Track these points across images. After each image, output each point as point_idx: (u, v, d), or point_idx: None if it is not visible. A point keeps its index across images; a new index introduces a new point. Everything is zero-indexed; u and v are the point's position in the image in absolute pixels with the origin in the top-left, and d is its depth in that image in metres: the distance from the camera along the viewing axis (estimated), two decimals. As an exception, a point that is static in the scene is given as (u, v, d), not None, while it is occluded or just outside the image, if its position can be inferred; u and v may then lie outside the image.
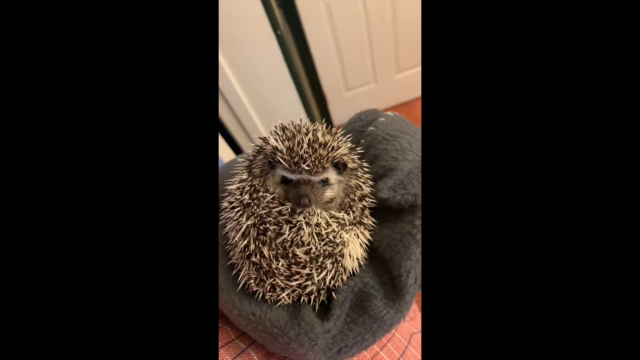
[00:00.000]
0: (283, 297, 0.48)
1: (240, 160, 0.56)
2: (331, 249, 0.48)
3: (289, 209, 0.49)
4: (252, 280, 0.49)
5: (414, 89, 2.60)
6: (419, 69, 2.41)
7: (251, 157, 0.55)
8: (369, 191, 0.54)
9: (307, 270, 0.47)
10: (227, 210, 0.53)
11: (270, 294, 0.49)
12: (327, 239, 0.48)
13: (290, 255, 0.47)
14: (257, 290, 0.50)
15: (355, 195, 0.53)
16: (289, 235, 0.47)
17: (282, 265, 0.47)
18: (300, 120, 0.55)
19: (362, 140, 0.60)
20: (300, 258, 0.47)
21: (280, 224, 0.48)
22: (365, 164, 0.56)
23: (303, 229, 0.48)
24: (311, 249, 0.47)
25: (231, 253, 0.53)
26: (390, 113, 0.62)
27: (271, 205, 0.50)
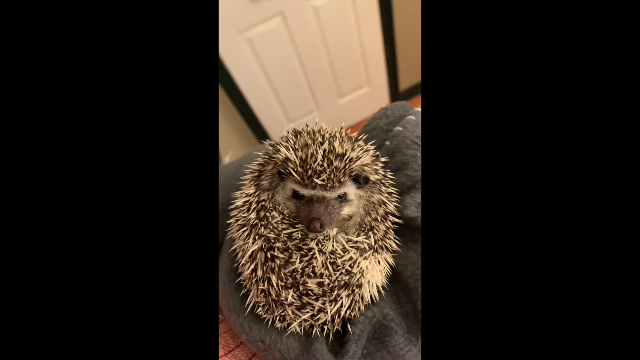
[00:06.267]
0: (294, 326, 0.44)
1: (249, 170, 0.49)
2: (347, 278, 0.43)
3: (300, 234, 0.43)
4: (260, 308, 0.45)
5: (358, 111, 2.28)
6: (361, 91, 2.12)
7: (260, 168, 0.48)
8: (394, 207, 0.47)
9: (319, 303, 0.42)
10: (234, 228, 0.47)
11: (280, 323, 0.45)
12: (344, 269, 0.43)
13: (301, 287, 0.42)
14: (265, 317, 0.46)
15: (377, 213, 0.46)
16: (299, 265, 0.42)
17: (291, 296, 0.42)
18: (316, 123, 0.47)
19: (387, 142, 0.52)
20: (312, 289, 0.42)
21: (290, 251, 0.43)
22: (389, 174, 0.48)
23: (316, 257, 0.42)
24: (324, 281, 0.42)
25: (240, 269, 0.48)
26: (421, 109, 0.52)
27: (280, 226, 0.44)
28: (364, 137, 0.49)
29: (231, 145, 1.92)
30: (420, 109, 0.52)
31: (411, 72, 2.19)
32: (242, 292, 0.48)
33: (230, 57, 1.62)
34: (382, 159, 0.49)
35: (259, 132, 1.99)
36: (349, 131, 0.48)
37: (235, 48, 1.60)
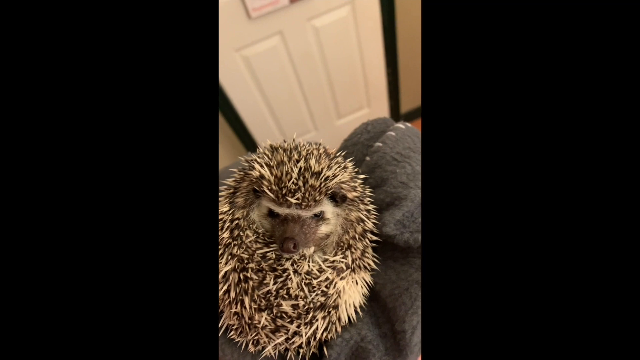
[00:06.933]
0: (268, 350, 0.42)
1: (224, 186, 0.49)
2: (324, 299, 0.41)
3: (274, 254, 0.42)
4: (233, 332, 0.44)
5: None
6: (361, 112, 2.09)
7: (235, 184, 0.47)
8: (373, 225, 0.45)
9: (294, 326, 0.41)
10: None
11: (254, 347, 0.43)
12: (320, 290, 0.41)
13: (275, 310, 0.41)
14: (238, 340, 0.44)
15: (355, 231, 0.44)
16: (273, 286, 0.40)
17: (265, 319, 0.41)
18: (293, 140, 0.47)
19: (368, 158, 0.51)
20: (286, 312, 0.41)
21: (264, 272, 0.41)
22: (368, 191, 0.47)
23: (291, 278, 0.41)
24: (299, 303, 0.40)
25: None
26: (401, 125, 0.51)
27: (254, 246, 0.43)
28: (344, 153, 0.48)
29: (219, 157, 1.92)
30: (400, 125, 0.51)
31: (413, 95, 2.19)
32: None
33: (224, 75, 1.61)
34: (362, 176, 0.48)
35: (250, 145, 1.99)
36: (327, 147, 0.47)
37: (231, 66, 1.59)
